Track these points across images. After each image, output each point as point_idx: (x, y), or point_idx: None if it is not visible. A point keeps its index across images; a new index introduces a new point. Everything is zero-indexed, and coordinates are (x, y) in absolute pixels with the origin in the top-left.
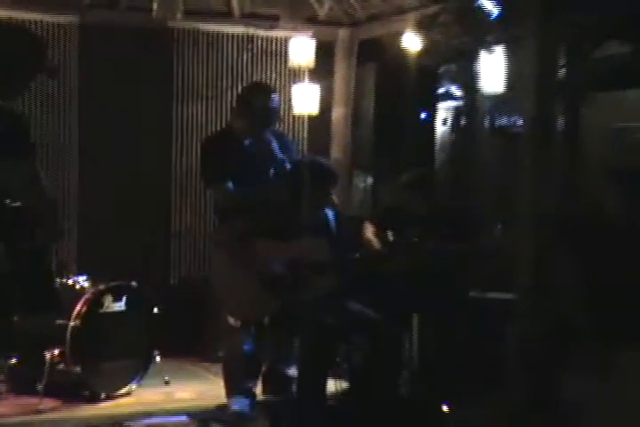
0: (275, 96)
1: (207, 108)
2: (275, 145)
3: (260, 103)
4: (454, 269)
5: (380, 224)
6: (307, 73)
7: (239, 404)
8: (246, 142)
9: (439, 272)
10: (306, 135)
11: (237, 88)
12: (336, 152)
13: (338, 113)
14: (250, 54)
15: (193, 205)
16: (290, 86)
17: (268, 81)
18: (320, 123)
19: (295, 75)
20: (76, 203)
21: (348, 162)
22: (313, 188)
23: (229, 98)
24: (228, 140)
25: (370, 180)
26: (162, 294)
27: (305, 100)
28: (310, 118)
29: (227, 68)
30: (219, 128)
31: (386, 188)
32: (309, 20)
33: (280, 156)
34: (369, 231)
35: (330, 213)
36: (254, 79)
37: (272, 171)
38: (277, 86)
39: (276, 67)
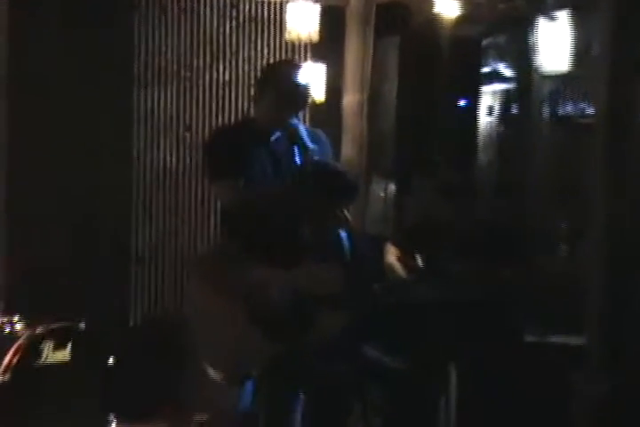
0: (303, 71)
1: (179, 92)
2: (308, 142)
3: (285, 79)
4: (504, 304)
5: (406, 245)
6: (309, 48)
7: None
8: (272, 138)
9: (483, 308)
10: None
11: (218, 67)
12: (348, 151)
13: (350, 100)
14: (234, 23)
15: (161, 219)
16: None
17: (259, 58)
18: (327, 113)
19: (294, 50)
20: (4, 217)
21: (364, 164)
22: (322, 202)
23: (208, 79)
24: (247, 134)
25: (392, 187)
26: (119, 338)
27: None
28: (314, 107)
29: (204, 41)
30: (193, 118)
31: (413, 198)
32: None
33: (295, 156)
34: (391, 255)
35: (342, 233)
36: (241, 55)
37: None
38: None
39: (268, 40)
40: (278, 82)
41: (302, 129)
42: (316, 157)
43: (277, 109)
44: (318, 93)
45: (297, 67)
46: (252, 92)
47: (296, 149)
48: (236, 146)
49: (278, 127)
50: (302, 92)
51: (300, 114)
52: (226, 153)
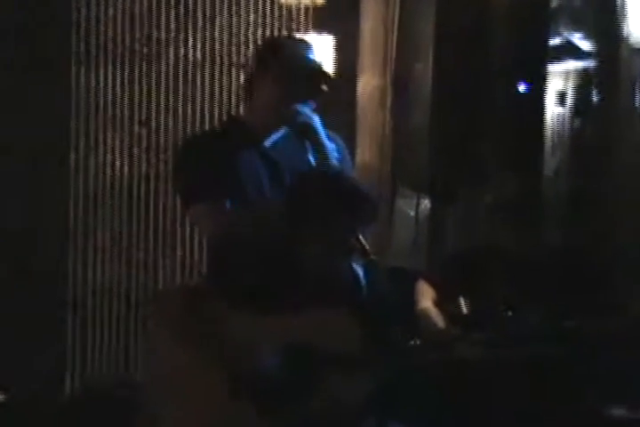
0: (313, 48)
1: (132, 74)
2: (325, 138)
3: (293, 56)
4: (586, 369)
5: (446, 284)
6: (310, 14)
7: None
8: (268, 140)
9: (557, 374)
10: None
11: (187, 40)
12: (364, 154)
13: (368, 85)
14: None
15: (108, 249)
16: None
17: (242, 27)
18: (336, 103)
19: (290, 16)
20: None
21: (386, 172)
22: (330, 223)
23: (172, 57)
24: (234, 137)
25: (426, 203)
26: (50, 414)
27: None
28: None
29: (166, 3)
30: (152, 110)
31: (456, 217)
32: None
33: (308, 159)
34: (425, 297)
35: (358, 267)
36: (217, 24)
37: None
38: (261, 39)
39: (255, 4)
40: (283, 60)
41: (318, 121)
42: (335, 161)
43: (281, 99)
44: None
45: (305, 43)
46: (242, 80)
47: (309, 147)
48: (217, 155)
49: (281, 124)
50: (317, 72)
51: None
52: (204, 166)
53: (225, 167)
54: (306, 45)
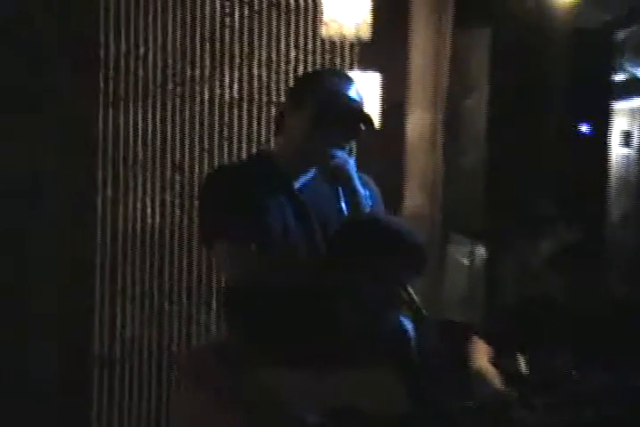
0: (356, 87)
1: (164, 115)
2: (359, 184)
3: (330, 93)
4: None
5: (504, 340)
6: (356, 47)
7: None
8: (298, 181)
9: None
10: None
11: (223, 77)
12: (413, 198)
13: (417, 122)
14: (246, 12)
15: (138, 302)
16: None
17: (283, 63)
18: (383, 140)
19: (334, 51)
20: None
21: (437, 217)
22: (376, 273)
23: (207, 96)
24: (262, 175)
25: (481, 251)
26: None
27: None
28: (365, 133)
29: (201, 39)
30: (185, 153)
31: (514, 267)
32: None
33: (341, 206)
34: (481, 353)
35: (406, 321)
36: (256, 60)
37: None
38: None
39: (297, 37)
40: (319, 96)
41: (353, 165)
42: (368, 208)
43: (315, 139)
44: (370, 112)
45: (347, 78)
46: (274, 114)
47: (341, 193)
48: (244, 193)
49: (313, 164)
50: (356, 111)
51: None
52: (230, 203)
53: (254, 205)
54: (347, 80)
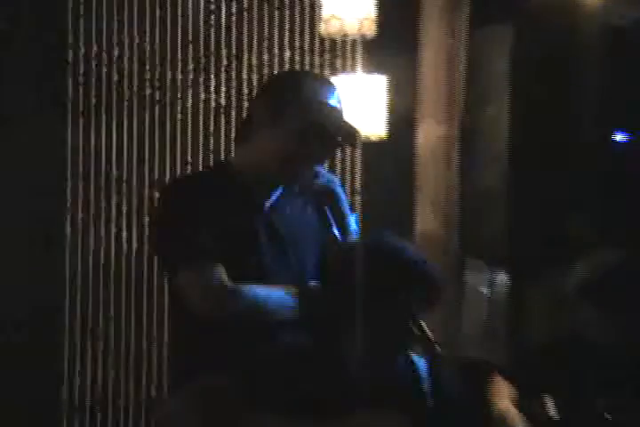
0: (337, 92)
1: (141, 125)
2: (346, 205)
3: (312, 109)
4: None
5: (528, 379)
6: (359, 48)
7: None
8: (266, 203)
9: None
10: (359, 182)
11: (208, 82)
12: (425, 221)
13: (428, 135)
14: (234, 9)
15: (112, 341)
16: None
17: (276, 69)
18: (390, 156)
19: (334, 52)
20: None
21: (453, 242)
22: (381, 307)
23: (190, 103)
24: (227, 190)
25: (503, 279)
26: None
27: (356, 107)
28: (369, 146)
29: (184, 39)
30: (166, 168)
31: (542, 298)
32: None
33: (332, 229)
34: (503, 395)
35: (418, 359)
36: (245, 63)
37: (310, 260)
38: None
39: (292, 35)
40: (303, 108)
41: (338, 185)
42: (355, 233)
43: (300, 154)
44: (375, 125)
45: (327, 83)
46: (241, 120)
47: (329, 213)
48: (211, 208)
49: (293, 183)
50: (342, 125)
51: (346, 153)
52: (197, 219)
53: (220, 224)
54: (329, 86)
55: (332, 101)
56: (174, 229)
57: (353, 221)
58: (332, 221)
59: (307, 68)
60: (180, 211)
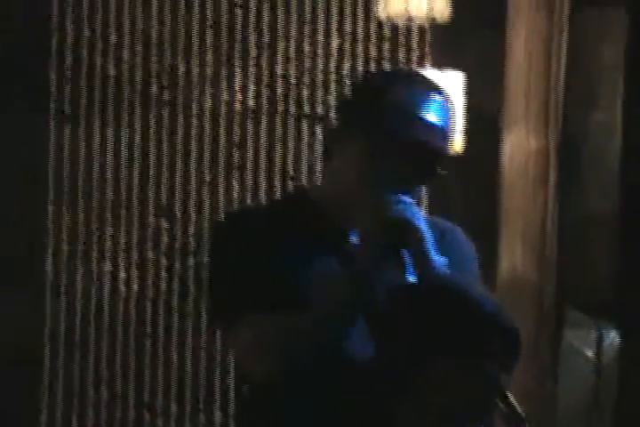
0: (440, 101)
1: (146, 134)
2: (432, 248)
3: (395, 113)
4: None
5: None
6: (428, 38)
7: None
8: (351, 238)
9: None
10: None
11: (232, 81)
12: (512, 259)
13: (517, 148)
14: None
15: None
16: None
17: (320, 63)
18: (468, 175)
19: (396, 44)
20: None
21: (548, 288)
22: (454, 373)
23: (209, 107)
24: (304, 224)
25: (612, 338)
26: None
27: None
28: (443, 162)
29: (201, 28)
30: (176, 189)
31: None
32: None
33: (407, 275)
34: None
35: None
36: (280, 56)
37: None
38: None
39: (336, 17)
40: (379, 118)
41: (421, 219)
42: (446, 277)
43: (371, 178)
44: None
45: (428, 87)
46: (322, 133)
47: (407, 258)
48: (280, 250)
49: (367, 214)
50: (437, 138)
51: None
52: (258, 266)
53: (292, 271)
54: (428, 91)
55: (428, 112)
56: (228, 274)
57: (439, 267)
58: (409, 266)
59: (359, 61)
60: (234, 253)
